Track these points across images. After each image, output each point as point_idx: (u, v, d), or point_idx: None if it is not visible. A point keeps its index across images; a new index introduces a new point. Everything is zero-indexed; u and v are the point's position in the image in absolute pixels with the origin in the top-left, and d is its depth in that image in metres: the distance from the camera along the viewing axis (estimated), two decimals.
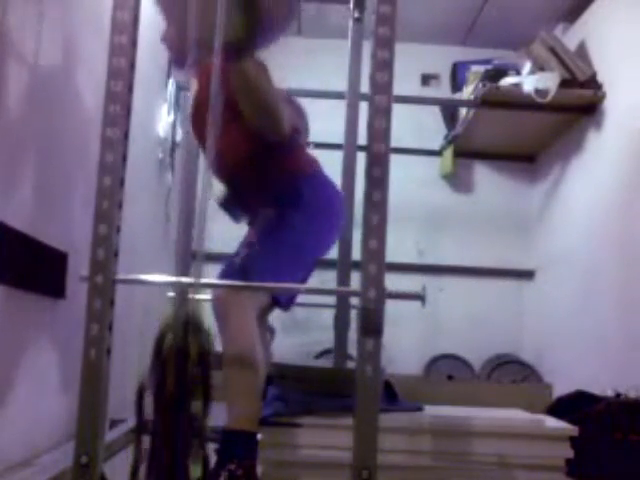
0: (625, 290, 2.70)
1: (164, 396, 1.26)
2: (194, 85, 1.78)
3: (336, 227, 1.83)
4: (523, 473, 1.68)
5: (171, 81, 3.21)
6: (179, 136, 3.29)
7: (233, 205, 1.83)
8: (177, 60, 1.78)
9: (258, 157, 1.70)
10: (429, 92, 4.06)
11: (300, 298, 3.16)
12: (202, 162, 1.72)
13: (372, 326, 1.20)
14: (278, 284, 1.55)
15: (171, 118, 3.21)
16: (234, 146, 1.67)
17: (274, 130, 1.65)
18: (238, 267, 1.61)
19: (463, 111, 3.61)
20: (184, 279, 1.60)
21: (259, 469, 1.57)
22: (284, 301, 1.76)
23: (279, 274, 1.58)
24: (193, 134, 1.83)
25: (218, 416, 1.54)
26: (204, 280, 1.37)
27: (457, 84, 3.82)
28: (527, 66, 3.21)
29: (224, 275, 1.64)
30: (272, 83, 1.60)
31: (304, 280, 1.80)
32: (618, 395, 2.09)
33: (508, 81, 3.18)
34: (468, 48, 4.02)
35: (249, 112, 1.61)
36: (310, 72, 3.70)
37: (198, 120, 1.74)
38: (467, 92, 3.44)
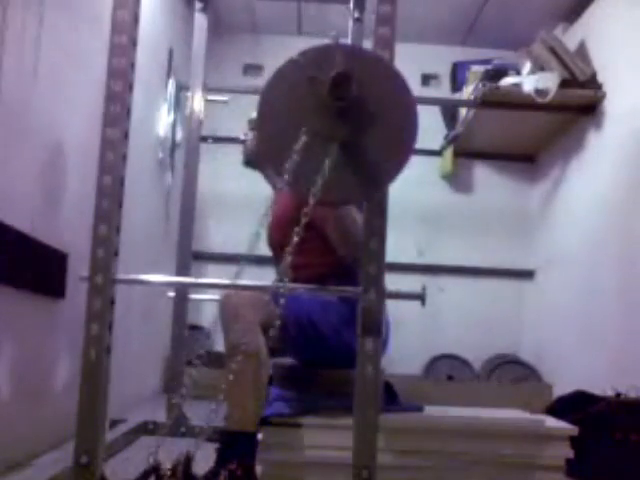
0: (625, 290, 2.70)
1: None
2: (276, 198, 1.80)
3: None
4: (523, 473, 1.67)
5: (171, 81, 3.21)
6: (179, 136, 3.29)
7: None
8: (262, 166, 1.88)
9: (331, 278, 1.69)
10: (429, 92, 4.06)
11: None
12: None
13: (372, 326, 1.20)
14: (279, 284, 1.54)
15: (171, 118, 3.21)
16: (309, 264, 1.72)
17: (357, 257, 1.71)
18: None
19: (463, 111, 3.61)
20: (184, 279, 1.60)
21: (259, 469, 1.57)
22: None
23: None
24: (268, 242, 1.89)
25: (218, 416, 1.54)
26: (203, 280, 1.37)
27: (457, 84, 3.82)
28: (527, 66, 3.21)
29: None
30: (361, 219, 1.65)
31: None
32: (618, 395, 2.09)
33: (508, 81, 3.18)
34: (468, 48, 4.02)
35: (339, 246, 1.69)
36: None
37: (276, 234, 1.82)
38: (467, 92, 3.43)
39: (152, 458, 1.26)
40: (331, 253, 1.72)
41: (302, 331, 1.69)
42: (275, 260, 1.86)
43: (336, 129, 1.18)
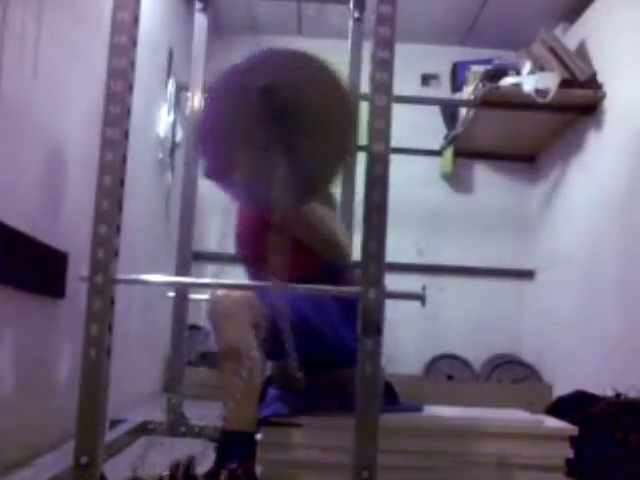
0: (625, 290, 2.70)
1: None
2: (239, 209, 1.77)
3: None
4: (523, 473, 1.67)
5: (171, 81, 3.21)
6: (179, 136, 3.29)
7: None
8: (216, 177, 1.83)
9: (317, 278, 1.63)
10: (429, 92, 4.06)
11: None
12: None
13: (372, 326, 1.20)
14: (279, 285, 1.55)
15: (171, 118, 3.21)
16: (292, 267, 1.69)
17: (338, 257, 1.68)
18: None
19: (463, 111, 3.61)
20: (184, 279, 1.60)
21: (258, 469, 1.57)
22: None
23: None
24: (237, 252, 1.82)
25: (217, 416, 1.55)
26: (203, 280, 1.37)
27: (457, 84, 3.82)
28: (527, 66, 3.21)
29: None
30: (329, 214, 1.61)
31: None
32: (618, 395, 2.09)
33: (508, 81, 3.18)
34: (468, 48, 4.02)
35: (314, 246, 1.65)
36: None
37: (247, 250, 1.76)
38: (467, 92, 3.44)
39: (132, 469, 1.24)
40: (311, 254, 1.69)
41: (295, 330, 1.69)
42: (251, 275, 1.79)
43: (271, 137, 1.18)
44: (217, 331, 1.59)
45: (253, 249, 1.56)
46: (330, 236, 1.62)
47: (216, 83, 1.23)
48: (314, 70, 1.25)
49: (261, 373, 1.74)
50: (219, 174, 1.22)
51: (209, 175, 1.72)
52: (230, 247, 1.82)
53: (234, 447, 1.51)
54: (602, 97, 3.02)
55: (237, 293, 1.61)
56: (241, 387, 1.54)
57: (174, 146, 3.27)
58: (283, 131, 1.18)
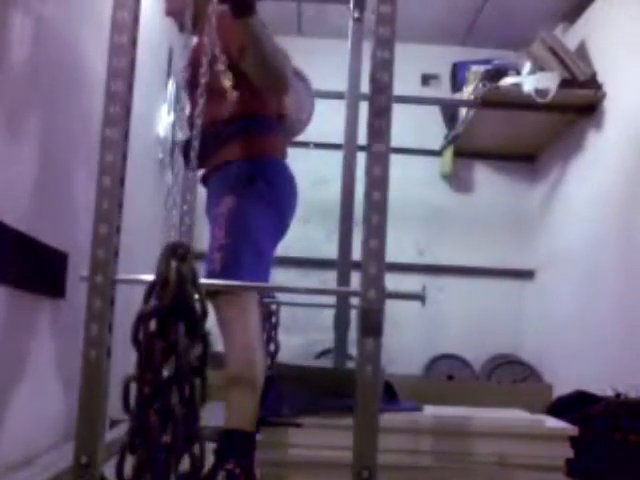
0: (625, 290, 2.70)
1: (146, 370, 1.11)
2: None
3: (286, 218, 1.85)
4: (523, 473, 1.67)
5: (171, 81, 3.21)
6: (179, 136, 3.29)
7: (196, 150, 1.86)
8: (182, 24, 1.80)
9: (239, 122, 1.74)
10: (429, 92, 4.06)
11: (300, 298, 3.18)
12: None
13: (372, 326, 1.20)
14: (278, 285, 1.55)
15: (171, 118, 3.21)
16: (222, 103, 1.68)
17: (277, 83, 1.68)
18: (219, 275, 1.61)
19: (463, 111, 3.61)
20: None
21: (258, 469, 1.57)
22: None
23: (253, 272, 1.64)
24: (185, 85, 1.82)
25: (218, 416, 1.54)
26: (203, 280, 1.37)
27: (457, 84, 3.81)
28: (527, 66, 3.21)
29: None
30: (274, 40, 1.62)
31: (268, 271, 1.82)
32: (618, 395, 2.09)
33: (508, 81, 3.18)
34: (468, 48, 4.02)
35: (254, 66, 1.62)
36: (310, 72, 3.68)
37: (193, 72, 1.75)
38: (467, 92, 3.43)
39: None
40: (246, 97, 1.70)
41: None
42: (190, 100, 1.80)
43: None
44: (223, 331, 1.60)
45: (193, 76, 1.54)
46: (271, 50, 1.61)
47: None
48: None
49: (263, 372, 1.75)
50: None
51: (169, 13, 1.76)
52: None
53: (234, 447, 1.51)
54: (602, 97, 3.02)
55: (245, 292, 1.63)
56: (244, 387, 1.55)
57: (174, 146, 3.27)
58: None
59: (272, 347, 2.51)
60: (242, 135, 1.75)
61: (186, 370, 1.05)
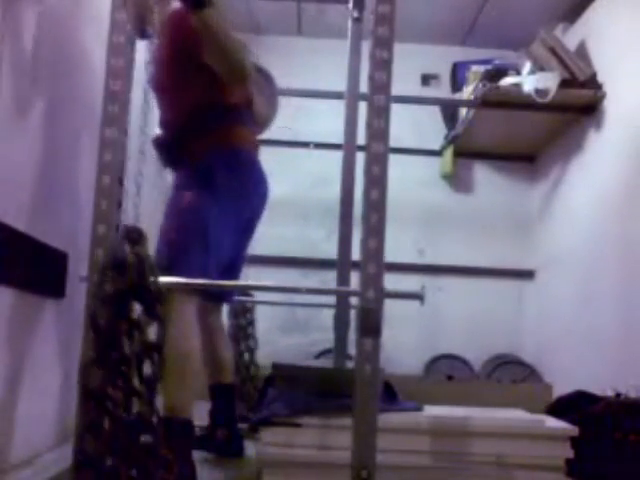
0: (625, 290, 2.69)
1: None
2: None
3: (248, 211, 1.90)
4: (523, 473, 1.67)
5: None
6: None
7: (164, 148, 1.95)
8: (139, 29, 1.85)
9: (201, 116, 1.81)
10: (429, 92, 4.05)
11: (300, 298, 3.18)
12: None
13: (371, 326, 1.20)
14: (278, 285, 1.56)
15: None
16: (185, 99, 1.79)
17: (238, 74, 1.75)
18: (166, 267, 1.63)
19: (463, 111, 3.61)
20: (184, 279, 1.60)
21: (258, 469, 1.57)
22: (221, 295, 1.95)
23: (201, 270, 1.67)
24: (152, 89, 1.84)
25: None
26: (204, 280, 1.37)
27: (457, 84, 3.81)
28: (527, 66, 3.21)
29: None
30: (232, 31, 1.70)
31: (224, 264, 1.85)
32: (618, 395, 2.08)
33: (508, 81, 3.18)
34: (468, 48, 4.01)
35: (213, 56, 1.70)
36: (310, 72, 3.69)
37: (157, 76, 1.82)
38: (467, 92, 3.43)
39: None
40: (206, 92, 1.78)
41: None
42: (158, 101, 1.89)
43: None
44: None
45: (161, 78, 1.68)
46: (229, 41, 1.69)
47: None
48: None
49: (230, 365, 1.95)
50: None
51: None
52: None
53: (168, 434, 1.52)
54: (602, 97, 3.02)
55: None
56: (176, 376, 1.61)
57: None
58: None
59: (251, 343, 2.58)
60: (208, 125, 1.82)
61: (148, 346, 1.09)
